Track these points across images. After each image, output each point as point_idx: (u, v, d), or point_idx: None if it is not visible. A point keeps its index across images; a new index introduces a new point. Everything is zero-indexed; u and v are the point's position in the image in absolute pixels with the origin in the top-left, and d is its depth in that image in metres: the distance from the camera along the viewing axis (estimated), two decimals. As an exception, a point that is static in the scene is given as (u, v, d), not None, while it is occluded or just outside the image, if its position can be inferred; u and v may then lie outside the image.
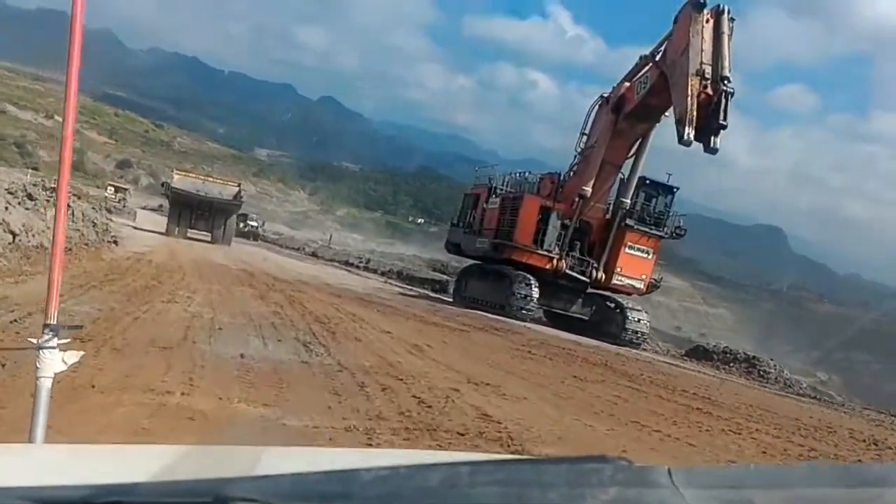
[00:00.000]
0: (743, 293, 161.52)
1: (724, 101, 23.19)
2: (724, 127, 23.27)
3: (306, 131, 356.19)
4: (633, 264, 28.49)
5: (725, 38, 24.00)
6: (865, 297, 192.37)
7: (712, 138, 23.33)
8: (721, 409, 12.90)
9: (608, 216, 28.95)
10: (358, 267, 59.61)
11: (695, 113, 23.23)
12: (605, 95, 28.34)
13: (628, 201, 27.98)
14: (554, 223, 28.05)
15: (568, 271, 28.30)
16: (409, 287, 44.19)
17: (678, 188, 28.59)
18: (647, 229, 28.32)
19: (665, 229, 28.58)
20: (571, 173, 28.99)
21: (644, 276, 28.78)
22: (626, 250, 28.33)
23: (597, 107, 28.75)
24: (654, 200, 28.65)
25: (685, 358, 30.81)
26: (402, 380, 9.56)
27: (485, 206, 31.03)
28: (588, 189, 27.64)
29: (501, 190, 30.57)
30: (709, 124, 23.28)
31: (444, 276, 55.67)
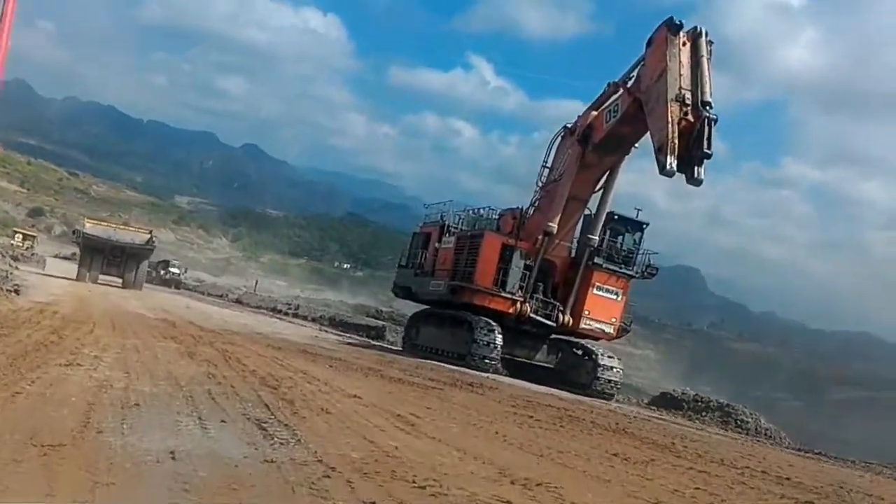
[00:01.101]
0: (666, 333, 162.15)
1: (707, 128, 20.78)
2: (709, 156, 20.85)
3: (228, 178, 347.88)
4: (602, 306, 25.66)
5: (705, 61, 21.72)
6: (781, 334, 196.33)
7: (696, 168, 20.85)
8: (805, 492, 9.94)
9: (573, 255, 26.15)
10: (286, 314, 56.19)
11: (676, 141, 20.73)
12: (569, 126, 25.72)
13: (596, 238, 25.24)
14: (517, 263, 25.07)
15: (532, 315, 25.27)
16: (345, 334, 40.93)
17: (648, 224, 26.04)
18: (616, 268, 25.58)
19: (635, 268, 25.89)
20: (533, 209, 26.15)
21: (614, 320, 25.96)
22: (594, 291, 25.50)
23: (559, 138, 26.10)
24: (621, 237, 25.98)
25: (653, 407, 28.01)
26: (422, 486, 6.23)
27: (437, 245, 27.89)
28: (554, 225, 24.82)
29: (456, 228, 27.51)
30: (691, 153, 20.82)
31: (380, 322, 52.79)
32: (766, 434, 26.17)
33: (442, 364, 24.32)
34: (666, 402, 29.46)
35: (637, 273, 25.81)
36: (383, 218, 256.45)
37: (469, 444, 9.05)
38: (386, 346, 36.38)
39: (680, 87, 21.26)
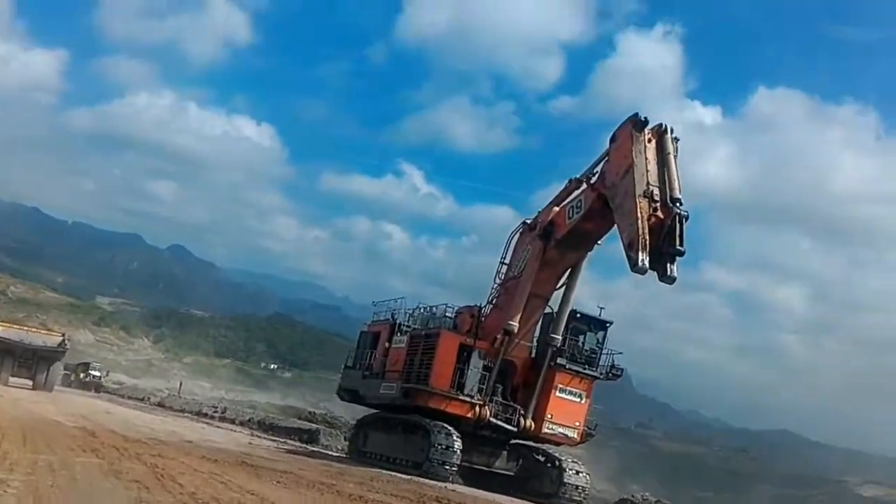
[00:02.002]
0: (595, 432, 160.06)
1: (678, 224, 19.65)
2: (682, 253, 19.63)
3: (153, 279, 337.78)
4: (565, 410, 23.74)
5: (672, 157, 20.79)
6: (705, 433, 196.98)
7: (668, 266, 19.57)
8: None
9: (533, 355, 24.34)
10: (213, 417, 52.59)
11: (647, 237, 19.50)
12: (528, 222, 24.38)
13: (559, 337, 23.48)
14: (476, 363, 23.10)
15: (492, 420, 23.17)
16: (278, 439, 37.94)
17: (612, 323, 24.49)
18: (579, 369, 23.81)
19: (599, 369, 24.18)
20: (491, 307, 24.41)
21: (577, 423, 24.01)
22: (557, 394, 23.60)
23: (517, 234, 24.68)
24: (583, 336, 24.33)
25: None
26: None
27: (387, 345, 25.76)
28: (515, 324, 23.07)
29: (408, 327, 25.49)
30: (661, 250, 19.59)
31: (312, 425, 49.90)
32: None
33: (397, 474, 21.89)
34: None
35: (601, 374, 24.10)
36: (312, 318, 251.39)
37: None
38: (327, 452, 33.60)
39: (648, 183, 20.22)
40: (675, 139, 21.13)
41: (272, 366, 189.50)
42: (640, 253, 19.21)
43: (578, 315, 24.04)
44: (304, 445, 37.02)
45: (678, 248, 19.44)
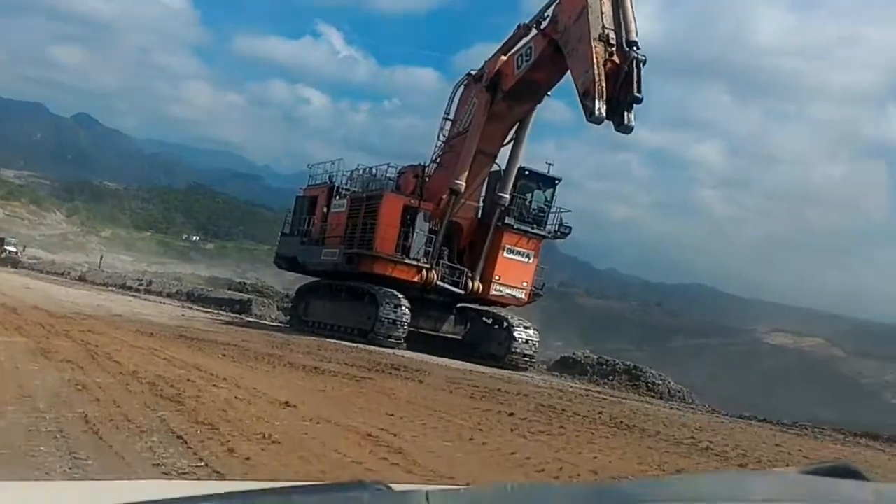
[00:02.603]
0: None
1: (636, 69, 18.36)
2: (640, 100, 18.46)
3: (60, 150, 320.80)
4: (513, 270, 23.10)
5: None
6: (624, 289, 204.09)
7: (626, 114, 18.44)
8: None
9: (479, 215, 23.38)
10: (139, 290, 50.89)
11: (604, 84, 18.24)
12: (473, 73, 22.74)
13: (507, 196, 22.49)
14: (421, 226, 22.06)
15: (440, 283, 22.39)
16: (211, 310, 36.75)
17: (560, 179, 23.57)
18: (528, 228, 23.02)
19: (547, 228, 23.43)
20: (435, 166, 23.12)
21: (525, 284, 23.46)
22: (505, 254, 22.88)
23: (462, 87, 23.09)
24: (530, 195, 23.39)
25: (556, 373, 25.95)
26: None
27: (326, 209, 24.38)
28: (461, 183, 21.91)
29: (347, 190, 24.09)
30: (619, 98, 18.40)
31: (243, 295, 48.87)
32: (678, 397, 24.90)
33: (342, 342, 21.08)
34: (567, 366, 27.58)
35: (550, 233, 23.37)
36: (232, 188, 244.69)
37: (488, 477, 6.08)
38: (264, 322, 32.62)
39: (603, 26, 18.75)
40: None
41: (194, 237, 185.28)
42: (596, 101, 18.02)
43: (527, 172, 23.00)
44: (238, 316, 36.01)
45: (636, 94, 18.27)
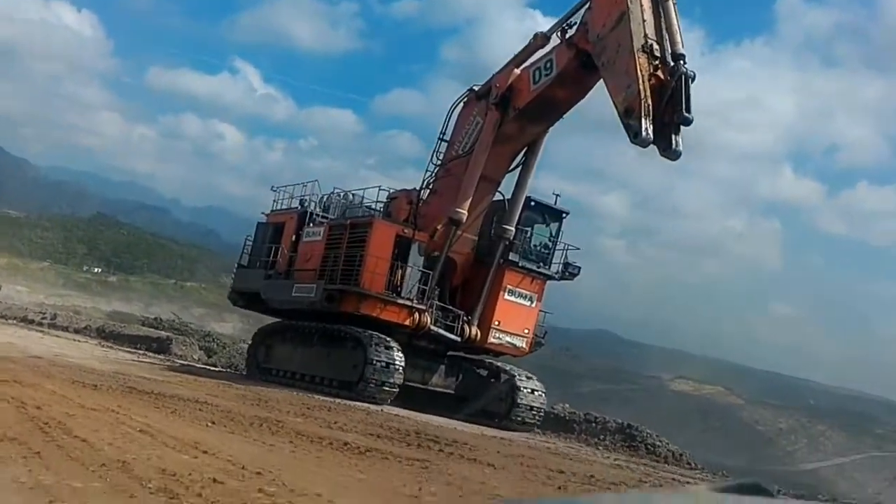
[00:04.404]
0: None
1: (684, 86, 15.55)
2: (690, 121, 15.57)
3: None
4: (514, 315, 19.71)
5: (671, 5, 16.47)
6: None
7: (673, 137, 15.53)
8: None
9: (474, 250, 20.00)
10: (42, 324, 45.19)
11: (650, 101, 15.39)
12: (476, 89, 19.47)
13: (512, 229, 19.19)
14: (415, 260, 18.47)
15: (433, 328, 18.82)
16: (133, 350, 32.35)
17: (568, 213, 20.48)
18: (532, 267, 19.78)
19: (553, 267, 20.26)
20: (429, 192, 19.68)
21: (527, 331, 20.06)
22: (506, 296, 19.49)
23: (461, 104, 19.82)
24: (530, 229, 20.20)
25: (537, 431, 22.68)
26: None
27: (294, 238, 20.54)
28: (463, 212, 18.49)
29: (323, 216, 20.36)
30: (664, 119, 15.56)
31: (160, 332, 44.11)
32: (677, 458, 22.04)
33: (319, 396, 17.20)
34: (549, 422, 24.32)
35: (556, 273, 20.19)
36: (139, 220, 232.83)
37: None
38: (201, 366, 28.26)
39: (645, 35, 15.95)
40: None
41: (96, 269, 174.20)
42: (643, 120, 15.03)
43: (533, 203, 19.76)
44: (159, 356, 31.57)
45: (685, 115, 15.34)
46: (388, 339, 17.73)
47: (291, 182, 21.22)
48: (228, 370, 28.61)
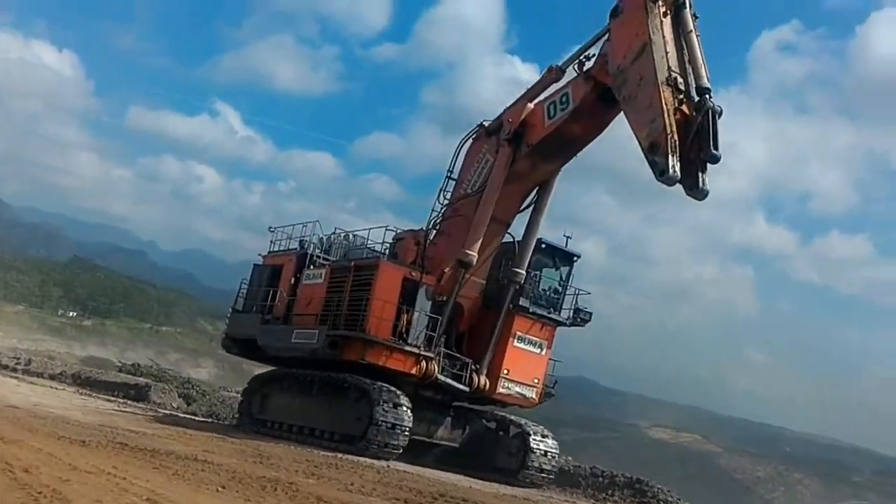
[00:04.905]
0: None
1: (711, 122, 14.72)
2: (718, 159, 14.73)
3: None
4: (523, 363, 18.51)
5: (694, 37, 15.69)
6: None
7: (700, 175, 14.69)
8: None
9: (481, 294, 18.85)
10: (16, 370, 43.39)
11: (676, 136, 14.53)
12: (486, 124, 18.59)
13: (523, 272, 18.10)
14: (423, 304, 17.26)
15: (440, 377, 17.57)
16: (112, 398, 30.96)
17: (579, 256, 19.47)
18: (543, 313, 18.67)
19: (563, 313, 19.16)
20: (435, 233, 18.59)
21: (536, 381, 18.85)
22: (515, 343, 18.32)
23: (470, 141, 18.88)
24: (539, 273, 19.11)
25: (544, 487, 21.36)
26: None
27: (294, 281, 19.31)
28: (473, 254, 17.41)
29: (325, 258, 19.18)
30: (690, 156, 14.69)
31: (138, 379, 42.53)
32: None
33: (321, 451, 15.83)
34: (556, 477, 22.99)
35: (567, 319, 19.08)
36: (115, 263, 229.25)
37: None
38: (188, 417, 26.71)
39: (669, 68, 15.15)
40: (695, 16, 15.88)
41: (71, 313, 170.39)
42: (669, 157, 14.16)
43: (544, 245, 18.72)
44: (138, 405, 30.10)
45: (714, 152, 14.50)
46: (397, 393, 16.43)
47: (270, 225, 19.88)
48: (211, 420, 27.17)
